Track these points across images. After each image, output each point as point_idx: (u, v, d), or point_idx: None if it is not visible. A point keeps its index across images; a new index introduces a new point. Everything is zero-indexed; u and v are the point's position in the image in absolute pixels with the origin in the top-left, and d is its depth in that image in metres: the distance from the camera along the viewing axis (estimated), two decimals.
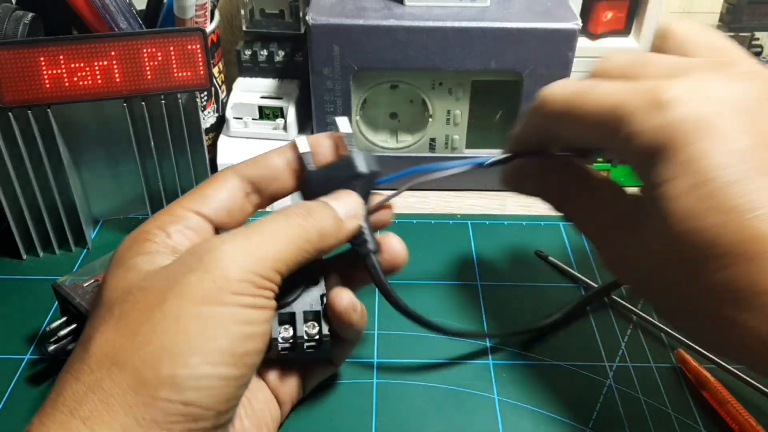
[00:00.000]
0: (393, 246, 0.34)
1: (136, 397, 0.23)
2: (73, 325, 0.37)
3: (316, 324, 0.32)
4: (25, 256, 0.46)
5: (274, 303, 0.28)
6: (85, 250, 0.47)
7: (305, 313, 0.32)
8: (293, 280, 0.30)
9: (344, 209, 0.31)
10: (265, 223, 0.28)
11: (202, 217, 0.30)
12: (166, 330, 0.24)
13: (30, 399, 0.36)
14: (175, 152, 0.46)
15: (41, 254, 0.46)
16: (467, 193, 0.54)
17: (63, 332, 0.36)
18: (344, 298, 0.32)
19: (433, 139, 0.53)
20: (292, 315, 0.32)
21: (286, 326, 0.32)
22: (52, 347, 0.36)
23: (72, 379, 0.24)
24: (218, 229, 0.31)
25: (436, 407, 0.36)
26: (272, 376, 0.33)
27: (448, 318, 0.40)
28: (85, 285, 0.37)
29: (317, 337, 0.32)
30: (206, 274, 0.25)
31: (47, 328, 0.37)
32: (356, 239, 0.32)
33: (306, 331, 0.32)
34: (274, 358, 0.33)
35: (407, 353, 0.39)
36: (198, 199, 0.31)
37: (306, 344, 0.32)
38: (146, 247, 0.28)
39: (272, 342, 0.31)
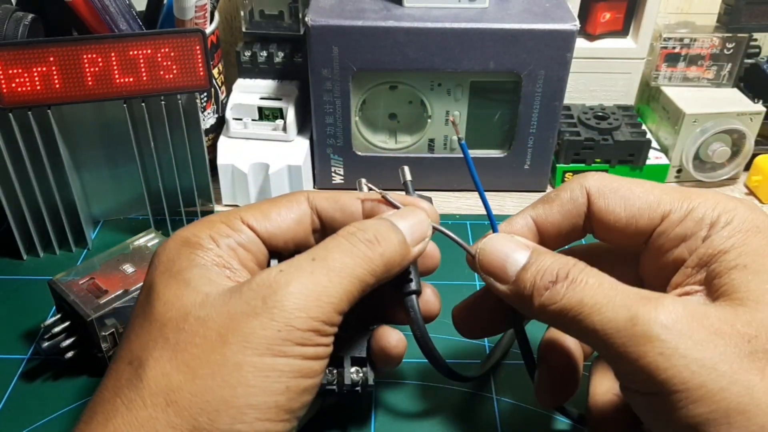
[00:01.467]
0: (429, 297, 0.32)
1: None
2: (67, 323, 0.37)
3: (360, 370, 0.32)
4: (25, 257, 0.46)
5: (331, 349, 0.26)
6: (86, 251, 0.47)
7: (352, 358, 0.32)
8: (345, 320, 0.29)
9: (411, 232, 0.29)
10: (331, 254, 0.26)
11: (257, 234, 0.29)
12: (226, 379, 0.23)
13: (29, 398, 0.36)
14: (175, 153, 0.46)
15: (42, 254, 0.46)
16: (467, 193, 0.54)
17: (57, 329, 0.36)
18: (393, 338, 0.31)
19: (432, 140, 0.53)
20: (340, 359, 0.31)
21: (331, 368, 0.31)
22: (45, 344, 0.36)
23: (123, 408, 0.24)
24: (270, 251, 0.30)
25: (436, 407, 0.36)
26: None
27: (449, 318, 0.40)
28: (80, 283, 0.37)
29: (361, 383, 0.32)
30: (271, 322, 0.24)
31: (42, 326, 0.37)
32: (402, 275, 0.30)
33: (352, 378, 0.31)
34: None
35: (407, 353, 0.39)
36: (260, 217, 0.29)
37: (351, 388, 0.31)
38: (198, 257, 0.27)
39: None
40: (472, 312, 0.33)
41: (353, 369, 0.31)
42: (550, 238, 0.31)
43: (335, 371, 0.31)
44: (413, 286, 0.31)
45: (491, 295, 0.30)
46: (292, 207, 0.30)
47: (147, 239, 0.41)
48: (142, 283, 0.37)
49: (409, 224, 0.29)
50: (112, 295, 0.36)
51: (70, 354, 0.37)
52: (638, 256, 0.30)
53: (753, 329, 0.23)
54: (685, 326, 0.23)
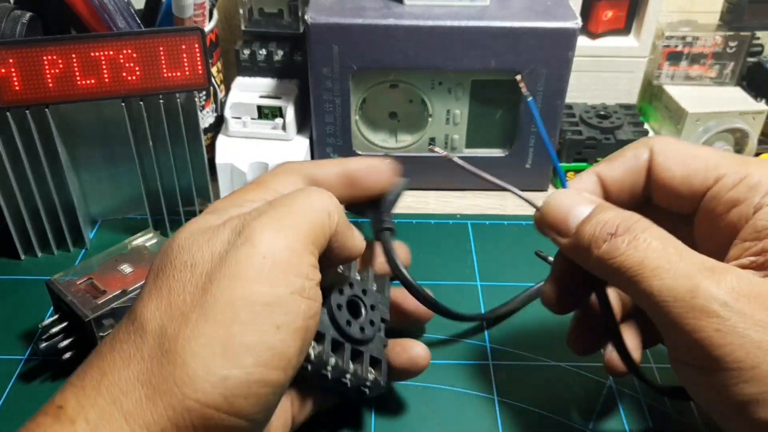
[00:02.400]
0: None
1: (183, 401, 0.22)
2: (65, 323, 0.36)
3: (372, 371, 0.32)
4: (23, 257, 0.46)
5: (319, 292, 0.26)
6: (84, 251, 0.47)
7: (370, 356, 0.32)
8: (371, 320, 0.32)
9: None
10: (290, 197, 0.27)
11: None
12: (219, 319, 0.23)
13: (27, 399, 0.36)
14: (174, 152, 0.46)
15: (39, 254, 0.46)
16: (467, 193, 0.54)
17: (54, 330, 0.36)
18: (419, 348, 0.33)
19: (432, 139, 0.53)
20: (359, 354, 0.32)
21: (339, 356, 0.31)
22: (43, 345, 0.36)
23: (121, 361, 0.23)
24: None
25: (436, 408, 0.36)
26: (292, 391, 0.32)
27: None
28: (78, 283, 0.37)
29: (370, 384, 0.32)
30: (253, 249, 0.24)
31: (39, 326, 0.37)
32: (377, 216, 0.33)
33: (368, 374, 0.32)
34: (311, 384, 0.32)
35: None
36: (261, 189, 0.30)
37: (362, 386, 0.32)
38: (201, 229, 0.27)
39: (321, 368, 0.30)
40: (558, 286, 0.32)
41: (369, 368, 0.32)
42: (613, 195, 0.31)
43: (351, 365, 0.31)
44: (387, 224, 0.34)
45: (568, 263, 0.30)
46: (284, 177, 0.31)
47: (145, 239, 0.40)
48: (141, 284, 0.37)
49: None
50: (110, 296, 0.36)
51: (68, 355, 0.36)
52: (692, 219, 0.30)
53: None
54: (745, 305, 0.23)
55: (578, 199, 0.29)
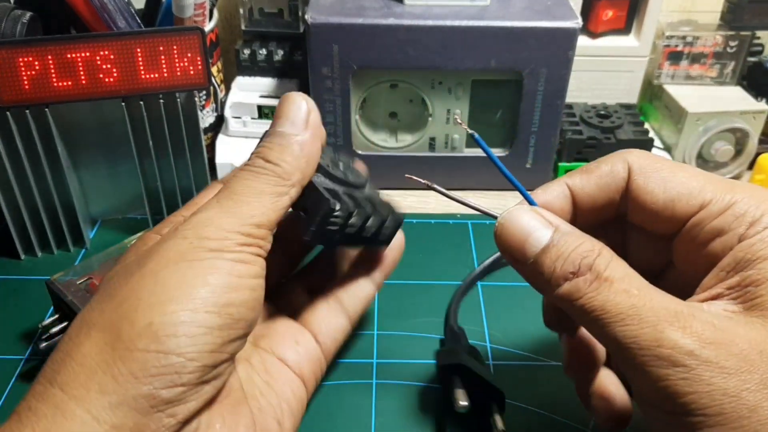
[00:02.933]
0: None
1: (113, 353, 0.23)
2: (65, 323, 0.36)
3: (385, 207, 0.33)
4: (23, 256, 0.46)
5: (262, 260, 0.27)
6: (84, 250, 0.47)
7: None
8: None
9: (291, 126, 0.29)
10: (235, 186, 0.27)
11: None
12: (143, 286, 0.24)
13: None
14: (174, 152, 0.46)
15: (39, 254, 0.46)
16: (467, 193, 0.54)
17: (55, 329, 0.36)
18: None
19: (432, 139, 0.53)
20: (356, 201, 0.31)
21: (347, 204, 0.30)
22: (44, 344, 0.36)
23: (53, 351, 0.24)
24: None
25: (436, 408, 0.36)
26: (291, 354, 0.32)
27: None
28: (78, 282, 0.37)
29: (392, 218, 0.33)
30: (183, 240, 0.25)
31: (40, 326, 0.37)
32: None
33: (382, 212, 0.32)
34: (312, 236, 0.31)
35: (407, 353, 0.39)
36: (186, 210, 0.30)
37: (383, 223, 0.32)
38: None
39: (325, 208, 0.29)
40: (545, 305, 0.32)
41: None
42: (583, 210, 0.29)
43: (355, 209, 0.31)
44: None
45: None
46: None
47: None
48: None
49: (292, 121, 0.29)
50: None
51: None
52: (670, 238, 0.28)
53: None
54: (711, 352, 0.22)
55: (536, 223, 0.27)
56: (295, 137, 0.29)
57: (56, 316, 0.37)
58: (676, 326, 0.23)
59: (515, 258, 0.27)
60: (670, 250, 0.28)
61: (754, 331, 0.23)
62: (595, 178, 0.28)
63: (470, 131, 0.30)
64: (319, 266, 0.37)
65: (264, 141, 0.29)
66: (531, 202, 0.28)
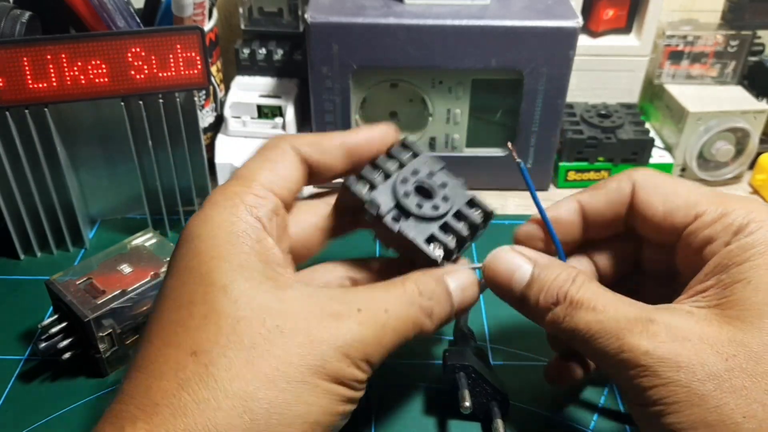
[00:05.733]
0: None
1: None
2: (64, 323, 0.36)
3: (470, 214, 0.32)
4: (22, 256, 0.46)
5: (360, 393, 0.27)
6: (83, 250, 0.47)
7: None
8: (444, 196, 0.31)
9: (461, 294, 0.30)
10: (392, 317, 0.27)
11: (276, 194, 0.29)
12: (302, 396, 0.24)
13: (27, 399, 0.36)
14: (173, 151, 0.45)
15: (38, 254, 0.46)
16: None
17: (54, 330, 0.36)
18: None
19: (433, 138, 0.53)
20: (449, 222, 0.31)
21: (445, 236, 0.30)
22: (43, 345, 0.36)
23: (194, 405, 0.23)
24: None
25: (436, 408, 0.36)
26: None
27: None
28: (77, 283, 0.37)
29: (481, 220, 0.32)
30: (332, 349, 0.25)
31: (39, 326, 0.36)
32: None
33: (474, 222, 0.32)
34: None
35: (407, 353, 0.39)
36: (273, 177, 0.29)
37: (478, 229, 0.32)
38: (248, 246, 0.27)
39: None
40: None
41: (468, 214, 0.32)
42: (593, 224, 0.32)
43: (457, 228, 0.31)
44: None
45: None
46: (283, 157, 0.30)
47: (144, 239, 0.40)
48: (140, 283, 0.37)
49: (458, 282, 0.30)
50: (110, 296, 0.36)
51: (67, 355, 0.36)
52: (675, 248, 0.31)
53: (733, 348, 0.25)
54: (665, 351, 0.25)
55: (518, 260, 0.30)
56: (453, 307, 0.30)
57: (56, 316, 0.37)
58: (634, 332, 0.26)
59: (504, 294, 0.30)
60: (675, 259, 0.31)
61: (709, 327, 0.26)
62: (603, 194, 0.32)
63: (518, 160, 0.33)
64: None
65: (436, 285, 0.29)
66: (551, 230, 0.32)
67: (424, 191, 0.32)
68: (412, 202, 0.30)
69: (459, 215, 0.32)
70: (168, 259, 0.37)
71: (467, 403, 0.32)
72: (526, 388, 0.37)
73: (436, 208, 0.31)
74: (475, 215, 0.32)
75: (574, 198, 0.33)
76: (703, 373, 0.25)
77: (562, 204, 0.33)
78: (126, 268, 0.38)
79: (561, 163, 0.54)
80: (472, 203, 0.32)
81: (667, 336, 0.26)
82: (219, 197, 0.28)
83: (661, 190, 0.30)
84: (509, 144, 0.35)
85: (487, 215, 0.32)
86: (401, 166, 0.32)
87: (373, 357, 0.26)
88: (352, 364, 0.25)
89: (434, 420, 0.35)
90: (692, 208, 0.29)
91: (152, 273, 0.38)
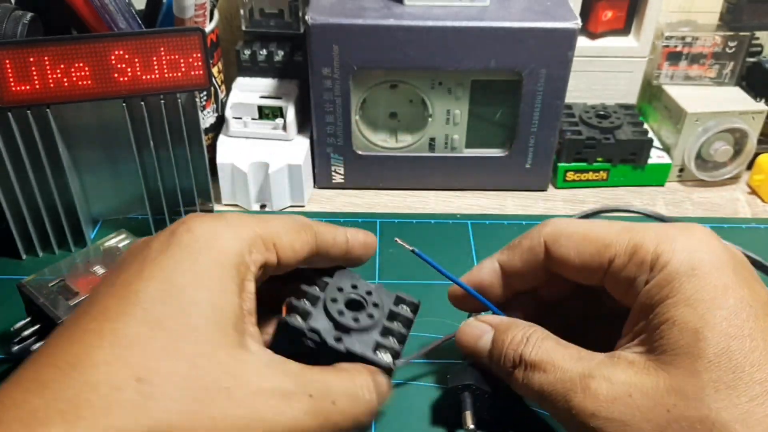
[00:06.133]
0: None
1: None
2: (37, 326, 0.36)
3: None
4: (24, 256, 0.46)
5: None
6: None
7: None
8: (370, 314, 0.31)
9: (379, 402, 0.29)
10: (333, 402, 0.27)
11: (278, 259, 0.29)
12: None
13: None
14: (175, 152, 0.46)
15: (41, 254, 0.46)
16: (467, 193, 0.54)
17: (27, 332, 0.36)
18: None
19: (432, 139, 0.53)
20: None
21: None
22: (16, 347, 0.36)
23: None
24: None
25: (436, 407, 0.36)
26: None
27: (449, 318, 0.40)
28: (50, 285, 0.37)
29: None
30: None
31: (12, 329, 0.36)
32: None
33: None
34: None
35: (407, 353, 0.39)
36: (286, 246, 0.29)
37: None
38: (230, 280, 0.26)
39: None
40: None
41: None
42: (513, 280, 0.34)
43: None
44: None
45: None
46: (303, 238, 0.30)
47: (117, 240, 0.41)
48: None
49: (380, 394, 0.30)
50: (83, 297, 0.36)
51: None
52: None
53: (673, 398, 0.25)
54: (609, 410, 0.26)
55: (480, 329, 0.32)
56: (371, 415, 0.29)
57: (28, 319, 0.37)
58: (577, 392, 0.27)
59: (475, 356, 0.32)
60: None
61: (648, 377, 0.26)
62: (518, 253, 0.33)
63: (411, 248, 0.34)
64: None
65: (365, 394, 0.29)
66: (461, 285, 0.34)
67: (354, 304, 0.32)
68: (348, 319, 0.30)
69: (392, 315, 0.32)
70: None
71: (471, 426, 0.32)
72: None
73: (371, 316, 0.31)
74: (406, 311, 0.33)
75: (495, 258, 0.34)
76: (649, 428, 0.25)
77: (484, 265, 0.34)
78: (99, 269, 0.38)
79: (560, 164, 0.54)
80: (398, 300, 0.33)
81: (608, 394, 0.26)
82: (237, 223, 0.28)
83: (573, 240, 0.31)
84: (397, 240, 0.34)
85: (415, 307, 0.33)
86: (323, 286, 0.32)
87: None
88: None
89: (434, 418, 0.35)
90: (604, 253, 0.29)
91: None
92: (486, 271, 0.34)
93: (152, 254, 0.26)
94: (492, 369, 0.32)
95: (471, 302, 0.34)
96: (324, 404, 0.26)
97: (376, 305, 0.32)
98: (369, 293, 0.32)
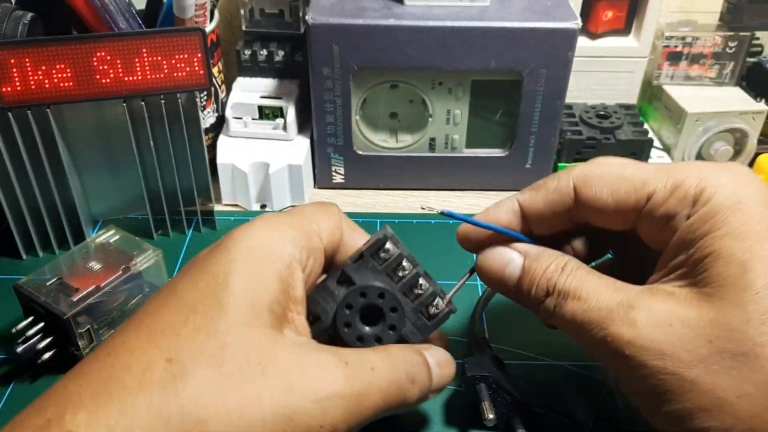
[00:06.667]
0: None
1: None
2: (41, 324, 0.36)
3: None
4: (24, 256, 0.46)
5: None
6: None
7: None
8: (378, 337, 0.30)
9: (438, 370, 0.30)
10: (372, 368, 0.27)
11: (323, 245, 0.30)
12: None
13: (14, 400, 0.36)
14: (175, 152, 0.46)
15: (41, 254, 0.46)
16: (467, 193, 0.54)
17: (31, 332, 0.36)
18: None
19: (433, 139, 0.53)
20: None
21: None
22: (20, 348, 0.36)
23: (145, 411, 0.22)
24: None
25: (435, 407, 0.36)
26: None
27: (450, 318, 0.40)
28: (48, 284, 0.37)
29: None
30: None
31: (13, 330, 0.36)
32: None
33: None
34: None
35: None
36: (326, 225, 0.30)
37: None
38: (269, 272, 0.26)
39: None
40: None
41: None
42: (534, 223, 0.32)
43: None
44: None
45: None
46: (335, 223, 0.31)
47: (108, 236, 0.41)
48: (112, 278, 0.37)
49: (438, 363, 0.30)
50: (85, 292, 0.36)
51: (47, 355, 0.36)
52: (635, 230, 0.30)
53: (716, 329, 0.24)
54: (647, 340, 0.25)
55: (508, 255, 0.31)
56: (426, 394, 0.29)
57: (30, 318, 0.36)
58: (615, 320, 0.26)
59: (499, 288, 0.31)
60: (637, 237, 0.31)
61: (690, 308, 0.25)
62: (542, 194, 0.31)
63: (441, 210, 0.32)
64: None
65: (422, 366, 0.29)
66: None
67: (370, 312, 0.30)
68: (370, 340, 0.30)
69: (419, 307, 0.31)
70: (136, 252, 0.39)
71: (491, 416, 0.32)
72: (525, 387, 0.37)
73: (393, 328, 0.30)
74: (435, 310, 0.31)
75: (515, 197, 0.32)
76: (688, 358, 0.24)
77: (503, 203, 0.32)
78: (95, 265, 0.38)
79: (560, 164, 0.54)
80: (432, 296, 0.31)
81: (647, 322, 0.25)
82: (272, 219, 0.28)
83: (606, 180, 0.29)
84: (422, 207, 0.34)
85: (448, 312, 0.31)
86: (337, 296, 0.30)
87: (350, 420, 0.25)
88: (323, 428, 0.24)
89: (434, 418, 0.35)
90: (642, 190, 0.28)
91: (123, 267, 0.38)
92: (504, 210, 0.32)
93: (197, 258, 0.28)
94: (514, 298, 0.30)
95: (485, 242, 0.32)
96: (362, 369, 0.26)
97: (394, 310, 0.30)
98: (381, 295, 0.30)
